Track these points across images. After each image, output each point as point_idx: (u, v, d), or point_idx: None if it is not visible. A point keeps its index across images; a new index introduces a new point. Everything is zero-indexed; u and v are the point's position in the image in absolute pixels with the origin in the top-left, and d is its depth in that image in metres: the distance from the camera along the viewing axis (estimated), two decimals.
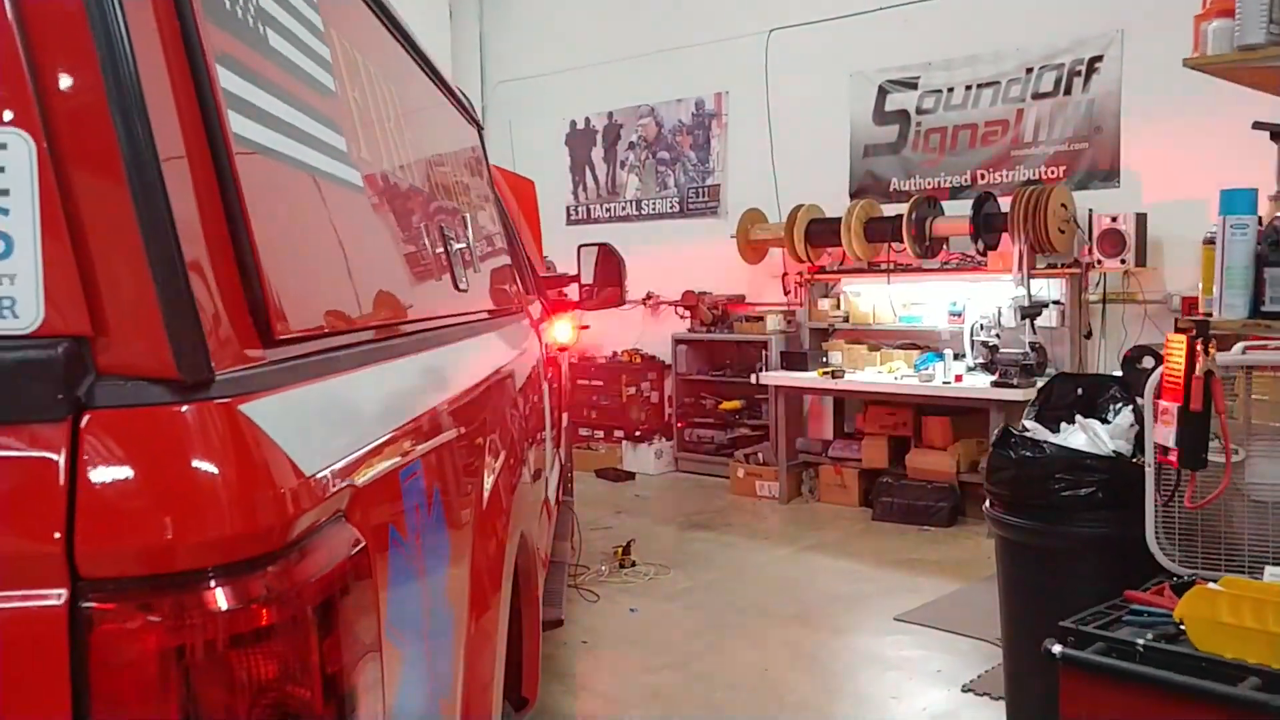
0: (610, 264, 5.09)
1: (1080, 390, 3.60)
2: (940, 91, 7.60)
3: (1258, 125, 2.96)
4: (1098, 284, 6.79)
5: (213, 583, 0.90)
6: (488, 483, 1.90)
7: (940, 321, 7.44)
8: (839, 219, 7.43)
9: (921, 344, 7.48)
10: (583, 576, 5.69)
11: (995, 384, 6.54)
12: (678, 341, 8.85)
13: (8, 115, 0.88)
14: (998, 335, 6.74)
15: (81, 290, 0.89)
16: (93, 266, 0.89)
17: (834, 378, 7.30)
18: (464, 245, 2.42)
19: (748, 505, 7.68)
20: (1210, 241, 2.64)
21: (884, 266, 7.52)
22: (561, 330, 5.40)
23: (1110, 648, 2.43)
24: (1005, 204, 6.78)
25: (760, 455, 7.99)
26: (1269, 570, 2.52)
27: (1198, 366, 2.50)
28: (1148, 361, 3.33)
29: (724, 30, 8.73)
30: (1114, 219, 6.40)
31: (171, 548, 0.88)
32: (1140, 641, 2.39)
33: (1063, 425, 3.45)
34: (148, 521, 0.88)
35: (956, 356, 6.99)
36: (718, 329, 8.58)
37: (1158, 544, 2.88)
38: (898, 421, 7.34)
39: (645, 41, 9.23)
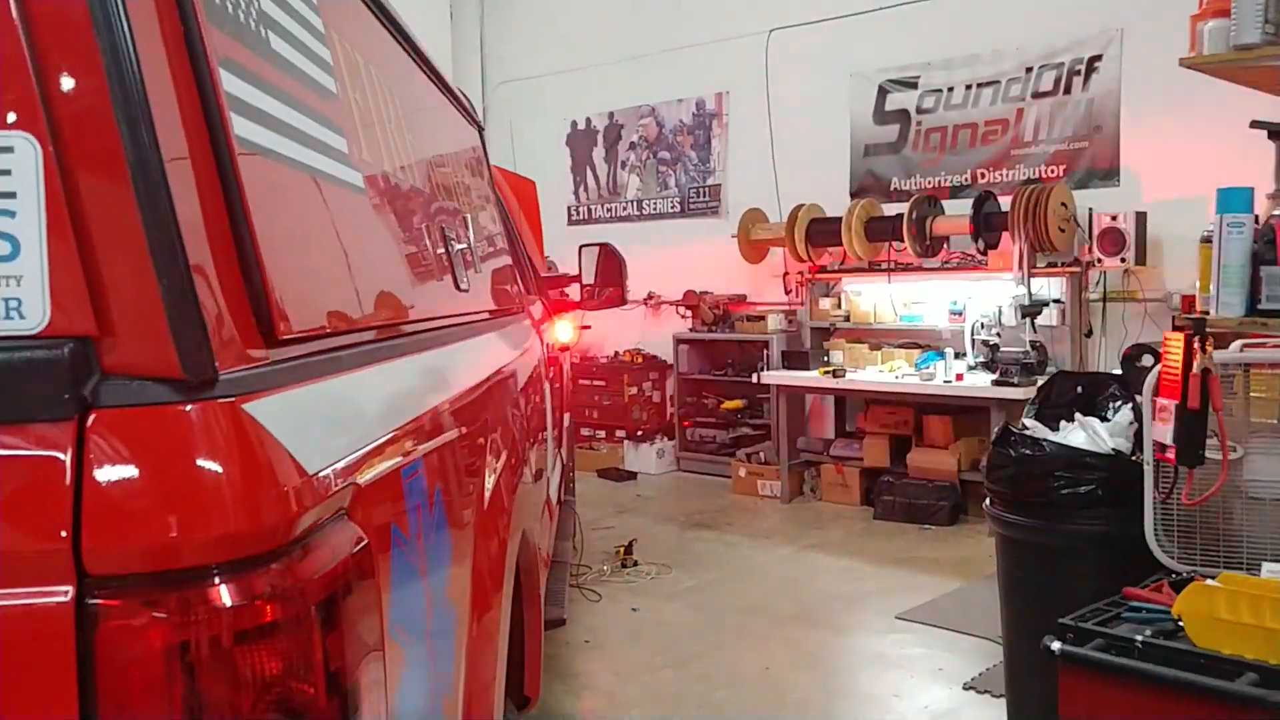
0: (611, 264, 5.10)
1: (1080, 388, 3.61)
2: (940, 91, 7.61)
3: (1256, 124, 2.97)
4: (1098, 283, 6.80)
5: (217, 580, 0.91)
6: (489, 482, 1.91)
7: (941, 320, 7.45)
8: (840, 218, 7.44)
9: (922, 343, 7.49)
10: (585, 576, 5.71)
11: (996, 383, 6.55)
12: (679, 341, 8.86)
13: (14, 119, 0.90)
14: (998, 334, 6.75)
15: (87, 291, 0.90)
16: (98, 268, 0.91)
17: (835, 377, 7.31)
18: (465, 246, 2.43)
19: (749, 504, 7.69)
20: (1207, 240, 2.66)
21: (885, 266, 7.53)
22: (563, 330, 5.41)
23: (1109, 644, 2.44)
24: (1005, 203, 6.79)
25: (762, 454, 8.01)
26: (1266, 567, 2.53)
27: (1195, 364, 2.51)
28: (1147, 360, 3.33)
29: (724, 30, 8.74)
30: (1114, 218, 6.42)
31: (176, 545, 0.90)
32: (1139, 638, 2.40)
33: (1062, 423, 3.46)
34: (153, 519, 0.89)
35: (957, 355, 7.00)
36: (719, 328, 8.59)
37: (1157, 541, 2.89)
38: (899, 420, 7.35)
39: (646, 42, 9.24)
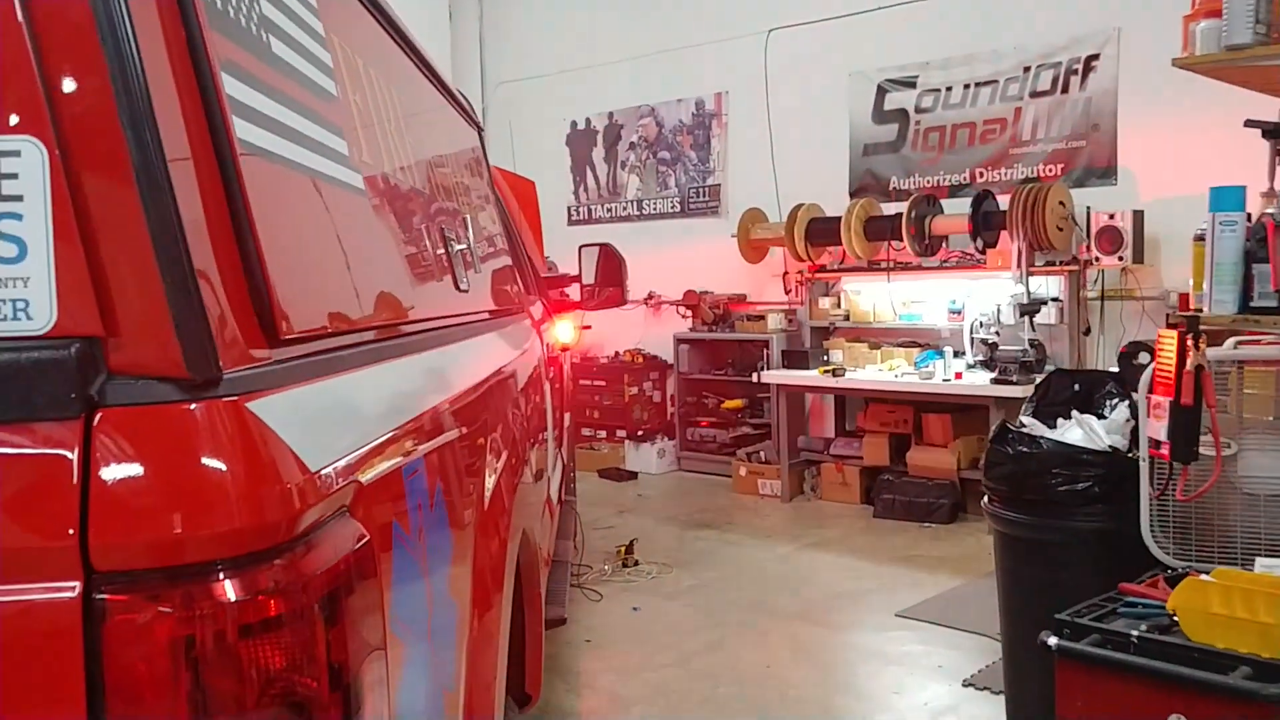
0: (611, 264, 5.11)
1: (1077, 386, 3.63)
2: (939, 90, 7.63)
3: (1250, 123, 2.99)
4: (1096, 281, 6.82)
5: (221, 575, 0.93)
6: (490, 481, 1.93)
7: (940, 319, 7.47)
8: (839, 218, 7.45)
9: (921, 342, 7.51)
10: (586, 576, 5.72)
11: (995, 381, 6.57)
12: (679, 341, 8.88)
13: (20, 123, 0.91)
14: (997, 332, 6.76)
15: (93, 292, 0.92)
16: (104, 269, 0.92)
17: (835, 376, 7.33)
18: (465, 246, 2.45)
19: (750, 504, 7.70)
20: (1200, 238, 2.68)
21: (884, 265, 7.55)
22: (563, 330, 5.42)
23: (1105, 639, 2.46)
24: (1004, 202, 6.80)
25: (762, 454, 8.02)
26: (1260, 561, 2.55)
27: (1188, 361, 2.53)
28: (1143, 357, 3.34)
29: (724, 30, 8.75)
30: (1111, 216, 6.44)
31: (181, 541, 0.91)
32: (1134, 633, 2.42)
33: (1060, 421, 3.47)
34: (158, 516, 0.91)
35: (956, 354, 7.02)
36: (719, 328, 8.61)
37: (1152, 537, 2.91)
38: (898, 419, 7.37)
39: (645, 42, 9.26)
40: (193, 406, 0.94)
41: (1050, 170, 7.11)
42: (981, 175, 7.44)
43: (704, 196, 9.17)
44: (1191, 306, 2.78)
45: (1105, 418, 3.41)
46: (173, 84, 1.00)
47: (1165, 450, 2.67)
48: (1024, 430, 3.45)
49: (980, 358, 6.83)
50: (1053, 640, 2.52)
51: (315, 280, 1.29)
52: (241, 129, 1.09)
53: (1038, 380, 4.56)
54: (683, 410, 8.91)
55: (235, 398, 0.97)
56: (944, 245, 7.29)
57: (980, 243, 6.95)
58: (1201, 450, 2.67)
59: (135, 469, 0.91)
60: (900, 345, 7.54)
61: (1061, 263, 6.79)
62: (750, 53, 8.55)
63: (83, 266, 0.92)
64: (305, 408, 1.11)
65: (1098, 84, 6.88)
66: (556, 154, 10.11)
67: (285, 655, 0.97)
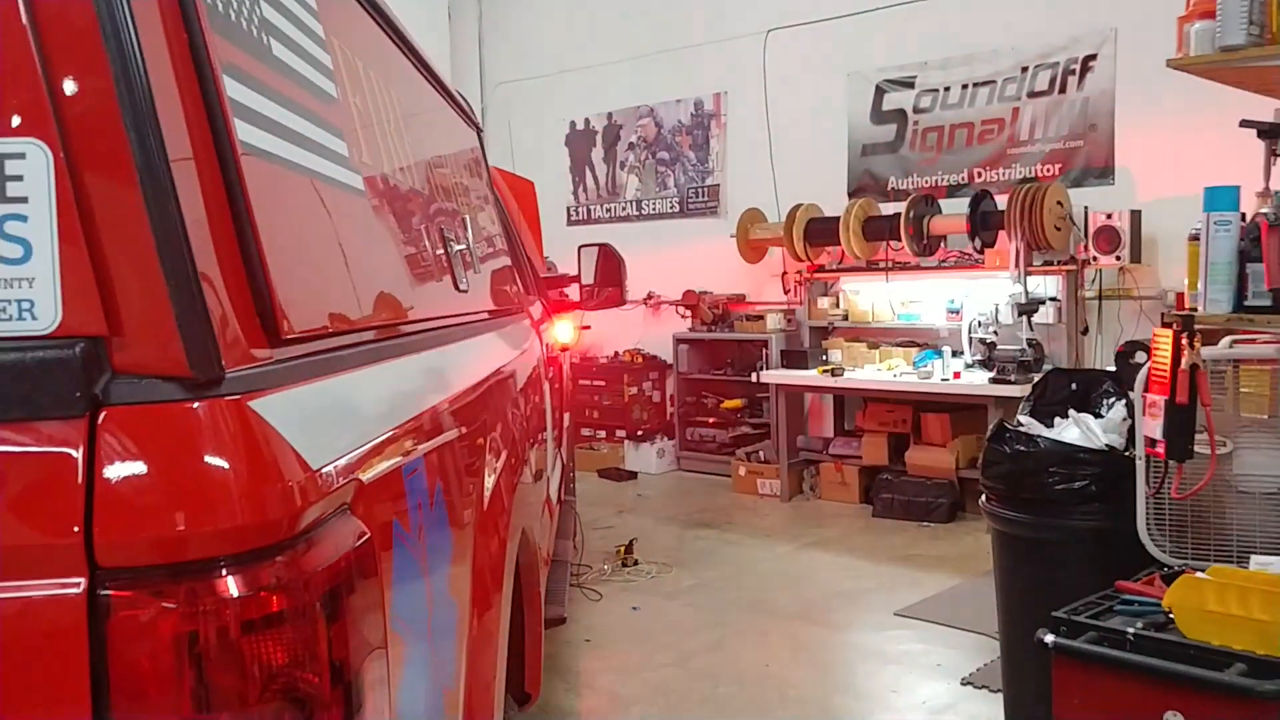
0: (610, 264, 5.12)
1: (1074, 385, 3.65)
2: (937, 91, 7.64)
3: (1245, 123, 3.00)
4: (1093, 280, 6.83)
5: (224, 571, 0.94)
6: (489, 480, 1.94)
7: (938, 319, 7.49)
8: (838, 218, 7.47)
9: (920, 341, 7.53)
10: (585, 575, 5.73)
11: (993, 380, 6.58)
12: (679, 341, 8.89)
13: (25, 126, 0.93)
14: (995, 332, 6.78)
15: (97, 293, 0.93)
16: (108, 270, 0.94)
17: (834, 376, 7.34)
18: (464, 247, 2.46)
19: (749, 503, 7.72)
20: (1195, 238, 2.69)
21: (882, 265, 7.56)
22: (562, 330, 5.43)
23: (1101, 637, 2.48)
24: (1002, 202, 6.81)
25: (761, 453, 8.04)
26: (1255, 559, 2.56)
27: (1183, 360, 2.54)
28: (1140, 356, 3.36)
29: (722, 31, 8.77)
30: (1109, 216, 6.45)
31: (185, 538, 0.93)
32: (1130, 630, 2.43)
33: (1057, 420, 3.49)
34: (162, 513, 0.92)
35: (955, 353, 7.03)
36: (718, 328, 8.62)
37: (1149, 535, 2.92)
38: (897, 418, 7.38)
39: (644, 42, 9.27)
40: (196, 405, 0.95)
41: (1048, 170, 7.12)
42: (979, 175, 7.45)
43: (703, 197, 9.18)
44: (1186, 306, 2.79)
45: (1102, 417, 3.42)
46: (175, 86, 1.01)
47: (1161, 449, 2.68)
48: (1021, 429, 3.47)
49: (978, 357, 6.85)
50: (1049, 638, 2.54)
51: (316, 280, 1.30)
52: (243, 131, 1.10)
53: (1035, 379, 4.58)
54: (682, 410, 8.92)
55: (237, 397, 0.98)
56: (942, 245, 7.30)
57: (978, 242, 6.97)
58: (1197, 449, 2.68)
59: (139, 467, 0.92)
60: (899, 345, 7.56)
61: (1059, 262, 6.80)
62: (749, 53, 8.57)
63: (87, 267, 0.93)
64: (306, 407, 1.12)
65: (1095, 84, 6.90)
66: (555, 154, 10.12)
67: (287, 651, 0.98)
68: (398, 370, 1.56)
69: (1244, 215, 2.69)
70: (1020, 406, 3.73)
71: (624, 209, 9.74)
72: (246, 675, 0.96)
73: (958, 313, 7.26)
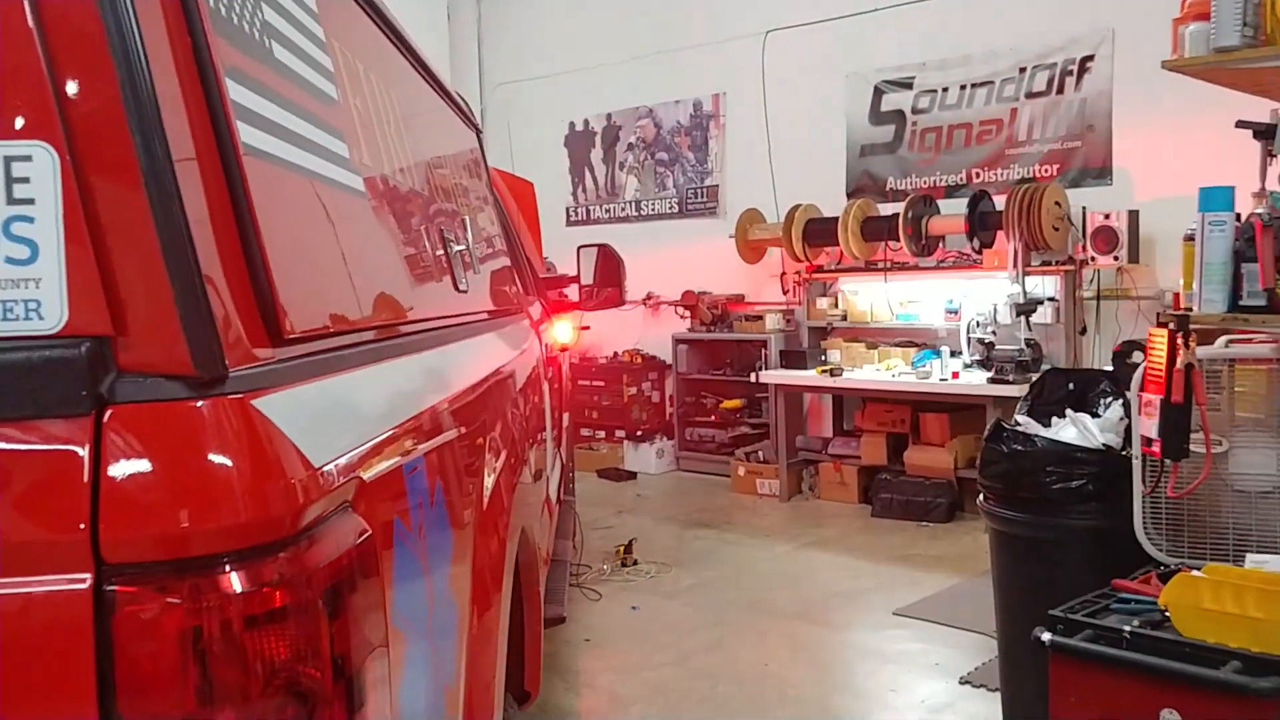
0: (610, 265, 5.13)
1: (1071, 385, 3.66)
2: (935, 91, 7.66)
3: (1241, 124, 3.01)
4: (1091, 281, 6.85)
5: (227, 567, 0.95)
6: (489, 479, 1.95)
7: (937, 319, 7.50)
8: (836, 218, 7.48)
9: (919, 341, 7.54)
10: (585, 575, 5.75)
11: (991, 380, 6.59)
12: (678, 341, 8.91)
13: (32, 129, 0.94)
14: (993, 332, 6.79)
15: (103, 293, 0.95)
16: (113, 270, 0.95)
17: (833, 376, 7.35)
18: (464, 247, 2.47)
19: (748, 503, 7.73)
20: (1190, 238, 2.71)
21: (881, 265, 7.57)
22: (562, 331, 5.44)
23: (1098, 635, 2.49)
24: (1000, 202, 6.82)
25: (761, 453, 8.05)
26: (1250, 557, 2.58)
27: (1178, 360, 2.56)
28: (1137, 356, 3.37)
29: (721, 32, 8.78)
30: (1107, 216, 6.47)
31: (189, 535, 0.94)
32: (1126, 628, 2.45)
33: (1054, 419, 3.50)
34: (166, 510, 0.93)
35: (953, 354, 7.04)
36: (717, 328, 8.64)
37: (1146, 534, 2.93)
38: (896, 418, 7.40)
39: (643, 43, 9.29)
40: (200, 404, 0.96)
41: (1046, 170, 7.14)
42: (978, 176, 7.47)
43: (702, 197, 9.20)
44: (1182, 306, 2.81)
45: (1099, 416, 3.44)
46: (178, 89, 1.03)
47: (1157, 448, 2.70)
48: (1019, 429, 3.48)
49: (977, 357, 6.86)
50: (1046, 636, 2.55)
51: (317, 281, 1.31)
52: (245, 133, 1.12)
53: (1033, 379, 4.60)
54: (681, 410, 8.94)
55: (241, 395, 0.99)
56: (940, 245, 7.32)
57: (977, 243, 6.98)
58: (1193, 448, 2.70)
59: (144, 465, 0.93)
60: (897, 345, 7.57)
61: (1057, 263, 6.81)
62: (748, 54, 8.58)
63: (93, 268, 0.94)
64: (308, 405, 1.14)
65: (1093, 85, 6.91)
66: (555, 155, 10.13)
67: (290, 646, 0.99)
68: (398, 370, 1.57)
69: (1239, 215, 2.71)
70: (1018, 406, 3.74)
71: (623, 209, 9.75)
72: (249, 670, 0.97)
73: (956, 313, 7.28)
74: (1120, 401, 3.39)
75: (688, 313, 8.83)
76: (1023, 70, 7.20)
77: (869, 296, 7.87)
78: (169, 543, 0.94)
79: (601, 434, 9.30)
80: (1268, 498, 2.78)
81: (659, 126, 9.43)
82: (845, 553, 6.28)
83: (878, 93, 7.94)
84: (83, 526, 0.91)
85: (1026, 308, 6.63)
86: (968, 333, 6.94)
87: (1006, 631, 3.52)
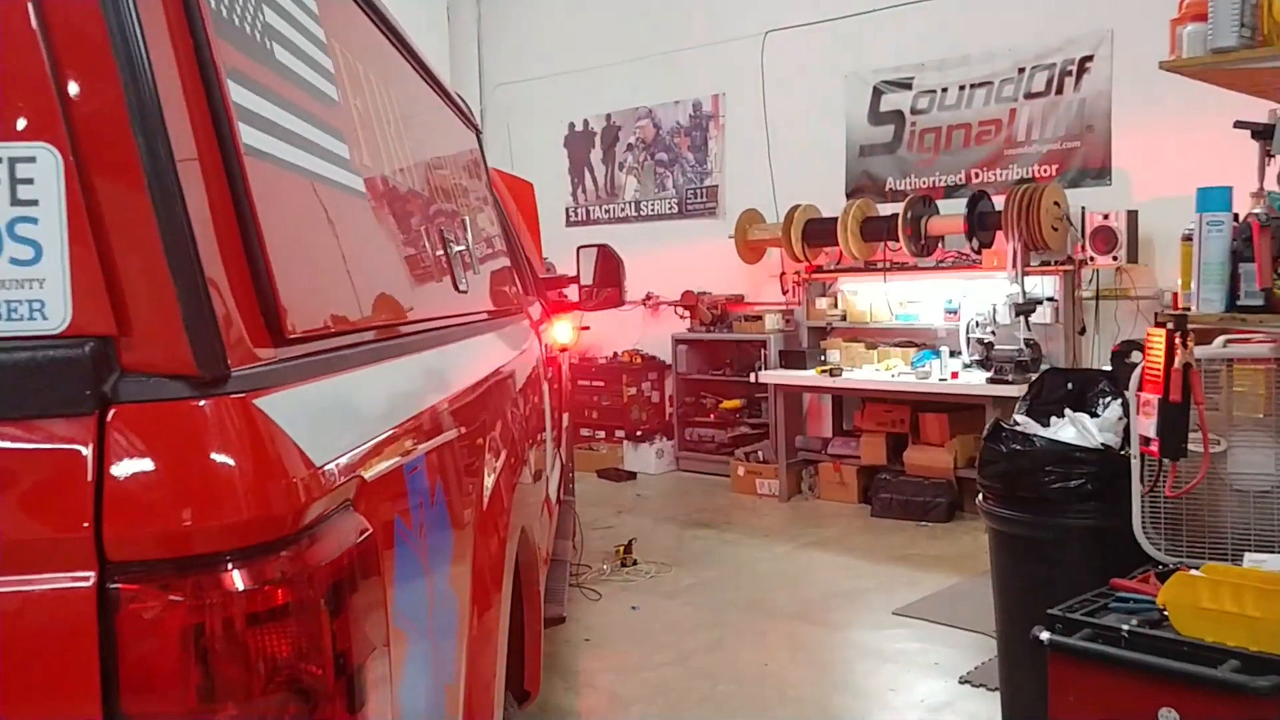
0: (609, 265, 5.13)
1: (1070, 385, 3.67)
2: (934, 92, 7.67)
3: (1239, 124, 3.02)
4: (1090, 281, 6.85)
5: (230, 565, 0.96)
6: (489, 479, 1.96)
7: (936, 319, 7.51)
8: (835, 219, 7.49)
9: (918, 342, 7.55)
10: (585, 575, 5.75)
11: (991, 380, 6.60)
12: (677, 341, 8.91)
13: (36, 130, 0.95)
14: (993, 332, 6.80)
15: (106, 293, 0.95)
16: (116, 271, 0.96)
17: (832, 376, 7.36)
18: (463, 248, 2.48)
19: (748, 503, 7.74)
20: (1188, 238, 2.72)
21: (880, 265, 7.58)
22: (562, 331, 5.45)
23: (1096, 634, 2.50)
24: (999, 202, 6.83)
25: (760, 453, 8.05)
26: (1249, 556, 2.58)
27: (1176, 359, 2.57)
28: (1136, 356, 3.38)
29: (720, 32, 8.79)
30: (1106, 216, 6.48)
31: (191, 533, 0.95)
32: (1125, 627, 2.46)
33: (1053, 419, 3.51)
34: (169, 508, 0.94)
35: (952, 354, 7.05)
36: (717, 329, 8.64)
37: (1144, 533, 2.94)
38: (895, 419, 7.40)
39: (642, 44, 9.30)
40: (202, 403, 0.97)
41: (1045, 171, 7.15)
42: (977, 176, 7.48)
43: (701, 198, 9.20)
44: (1180, 305, 2.82)
45: (1098, 416, 3.44)
46: (181, 91, 1.04)
47: (1155, 447, 2.70)
48: (1018, 429, 3.49)
49: (976, 357, 6.87)
50: (1045, 635, 2.56)
51: (318, 281, 1.32)
52: (246, 134, 1.13)
53: (1033, 379, 4.61)
54: (681, 410, 8.94)
55: (243, 395, 1.00)
56: (940, 246, 7.33)
57: (976, 243, 6.99)
58: (1191, 447, 2.71)
59: (147, 463, 0.94)
60: (897, 345, 7.58)
61: (1056, 263, 6.82)
62: (747, 55, 8.59)
63: (96, 268, 0.95)
64: (310, 405, 1.14)
65: (1092, 85, 6.92)
66: (554, 155, 10.14)
67: (291, 643, 1.00)
68: (399, 370, 1.58)
69: (1237, 215, 2.71)
70: (1017, 406, 3.74)
71: (622, 210, 9.76)
72: (251, 667, 0.98)
73: (955, 313, 7.28)
74: (1119, 401, 3.40)
75: (687, 313, 8.84)
76: (1021, 71, 7.21)
77: (868, 296, 7.88)
78: (172, 541, 0.94)
79: (601, 434, 9.30)
80: (1266, 497, 2.79)
81: (658, 127, 9.44)
82: (845, 553, 6.28)
83: (877, 93, 7.95)
84: (86, 525, 0.92)
85: (1026, 308, 6.64)
86: (967, 333, 6.95)
87: (1006, 631, 3.53)
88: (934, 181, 7.68)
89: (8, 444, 0.93)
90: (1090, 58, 6.91)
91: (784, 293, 8.49)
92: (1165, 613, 2.44)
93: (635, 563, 5.99)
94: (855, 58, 8.02)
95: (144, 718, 0.93)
